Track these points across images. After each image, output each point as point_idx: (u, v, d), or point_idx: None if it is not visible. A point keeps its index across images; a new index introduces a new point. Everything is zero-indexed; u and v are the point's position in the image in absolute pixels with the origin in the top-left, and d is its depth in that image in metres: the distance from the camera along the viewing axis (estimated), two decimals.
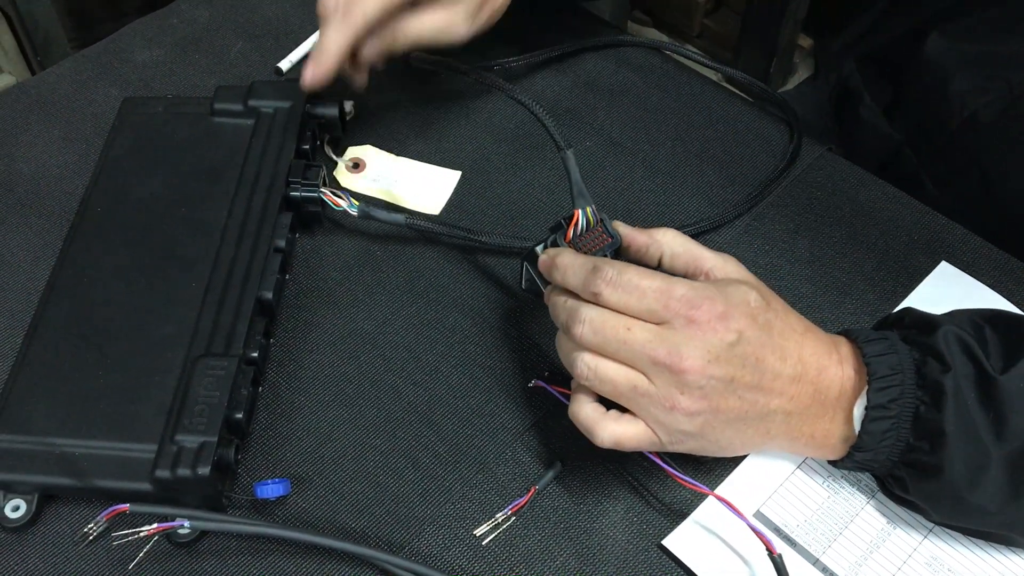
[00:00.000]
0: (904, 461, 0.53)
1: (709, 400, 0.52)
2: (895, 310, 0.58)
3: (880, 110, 0.79)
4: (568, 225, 0.58)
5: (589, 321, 0.52)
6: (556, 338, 0.56)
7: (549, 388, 0.60)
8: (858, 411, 0.53)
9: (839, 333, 0.56)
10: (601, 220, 0.58)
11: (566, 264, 0.55)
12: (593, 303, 0.53)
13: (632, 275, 0.52)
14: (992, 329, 0.53)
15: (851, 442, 0.54)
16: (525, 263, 0.60)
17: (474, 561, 0.57)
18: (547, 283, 0.58)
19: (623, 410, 0.54)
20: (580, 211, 0.58)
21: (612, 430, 0.53)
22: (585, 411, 0.54)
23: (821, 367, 0.54)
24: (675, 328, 0.51)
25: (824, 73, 0.86)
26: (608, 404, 0.55)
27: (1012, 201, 0.71)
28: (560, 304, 0.55)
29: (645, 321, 0.52)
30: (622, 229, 0.58)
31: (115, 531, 0.55)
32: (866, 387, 0.52)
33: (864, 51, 0.80)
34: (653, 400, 0.52)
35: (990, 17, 0.69)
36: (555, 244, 0.58)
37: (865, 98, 0.80)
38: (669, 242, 0.57)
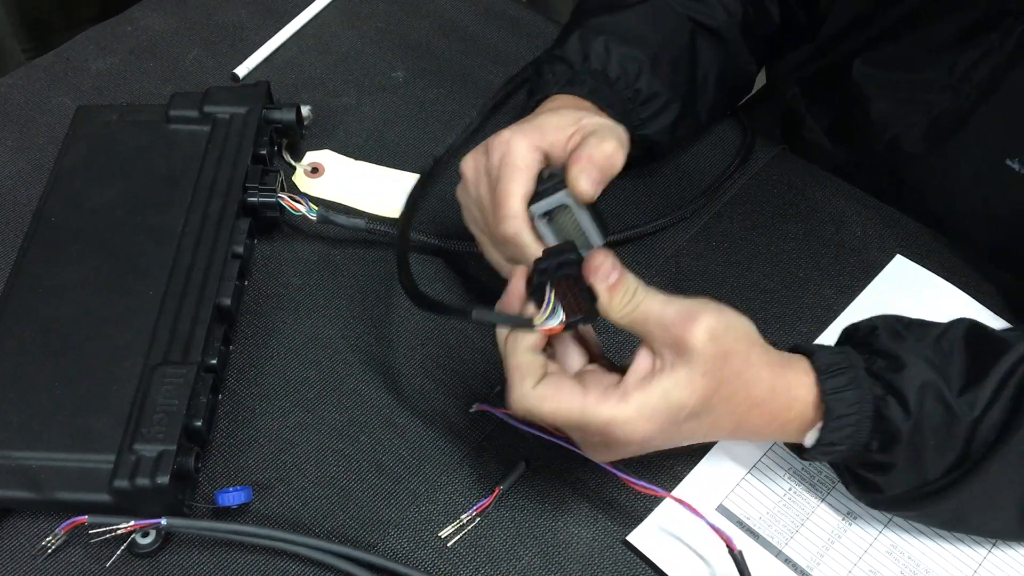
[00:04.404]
0: (850, 471, 0.55)
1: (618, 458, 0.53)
2: (867, 318, 0.57)
3: (822, 131, 0.81)
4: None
5: (516, 403, 0.51)
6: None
7: (493, 411, 0.59)
8: (809, 439, 0.54)
9: (804, 352, 0.54)
10: (552, 289, 0.51)
11: (504, 347, 0.52)
12: None
13: (547, 413, 0.50)
14: (960, 351, 0.53)
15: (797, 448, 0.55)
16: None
17: (439, 563, 0.57)
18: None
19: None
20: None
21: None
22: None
23: (754, 433, 0.54)
24: (592, 444, 0.52)
25: (775, 93, 0.88)
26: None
27: (951, 221, 0.73)
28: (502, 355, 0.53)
29: None
30: (601, 276, 0.51)
31: (73, 545, 0.55)
32: (820, 424, 0.53)
33: (804, 76, 0.83)
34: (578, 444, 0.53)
35: (907, 45, 0.72)
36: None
37: (807, 120, 0.82)
38: (622, 305, 0.51)
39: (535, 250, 0.56)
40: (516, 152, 0.57)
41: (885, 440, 0.52)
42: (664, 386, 0.49)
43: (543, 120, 0.58)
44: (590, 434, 0.50)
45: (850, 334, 0.57)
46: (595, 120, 0.58)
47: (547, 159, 0.58)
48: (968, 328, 0.54)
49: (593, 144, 0.56)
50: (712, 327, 0.49)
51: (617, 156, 0.56)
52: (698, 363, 0.49)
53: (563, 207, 0.57)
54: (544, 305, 0.51)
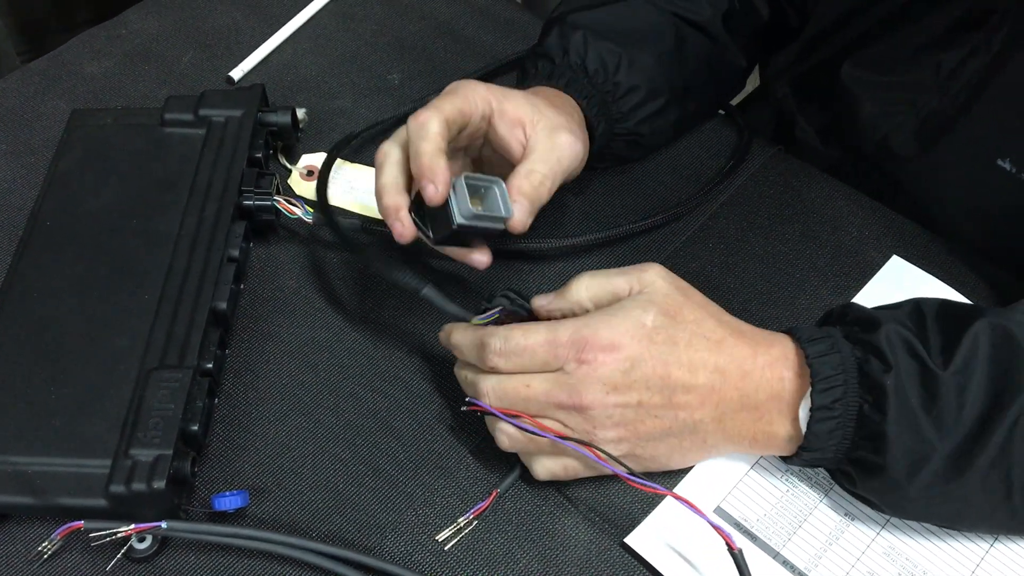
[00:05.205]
0: (850, 458, 0.54)
1: (625, 426, 0.53)
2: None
3: (814, 132, 0.81)
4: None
5: (491, 391, 0.55)
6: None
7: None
8: (803, 412, 0.54)
9: (784, 331, 0.57)
10: (501, 309, 0.58)
11: (459, 342, 0.57)
12: (492, 373, 0.55)
13: (518, 338, 0.54)
14: (934, 320, 0.54)
15: (798, 441, 0.55)
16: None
17: (437, 566, 0.56)
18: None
19: None
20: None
21: (545, 466, 0.57)
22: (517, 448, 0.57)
23: (744, 372, 0.54)
24: (569, 372, 0.53)
25: (767, 92, 0.88)
26: None
27: (944, 221, 0.73)
28: (463, 380, 0.58)
29: (543, 372, 0.54)
30: (539, 302, 0.58)
31: (69, 550, 0.55)
32: (810, 388, 0.53)
33: (795, 76, 0.83)
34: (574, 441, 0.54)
35: (893, 44, 0.72)
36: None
37: (799, 121, 0.82)
38: (581, 297, 0.56)
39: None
40: (433, 112, 0.59)
41: (875, 401, 0.52)
42: (623, 304, 0.54)
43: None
44: (562, 346, 0.52)
45: (826, 317, 0.58)
46: (540, 127, 0.61)
47: (468, 121, 0.61)
48: (942, 301, 0.56)
49: (521, 175, 0.60)
50: (664, 271, 0.56)
51: (543, 187, 0.60)
52: (657, 289, 0.54)
53: (488, 187, 0.59)
54: (486, 316, 0.58)
